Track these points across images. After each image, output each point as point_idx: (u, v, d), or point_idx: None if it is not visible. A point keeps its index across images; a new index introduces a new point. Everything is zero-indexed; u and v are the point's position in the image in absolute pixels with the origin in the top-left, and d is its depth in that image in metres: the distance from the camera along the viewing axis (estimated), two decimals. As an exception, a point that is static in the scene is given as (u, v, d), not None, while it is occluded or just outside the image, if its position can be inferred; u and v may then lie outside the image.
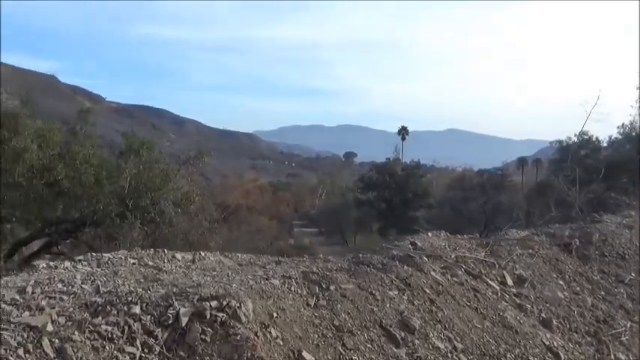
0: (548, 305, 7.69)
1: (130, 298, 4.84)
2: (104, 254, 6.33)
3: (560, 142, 53.26)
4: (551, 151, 64.77)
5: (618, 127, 39.48)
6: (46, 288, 5.07)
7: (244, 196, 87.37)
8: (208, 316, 4.75)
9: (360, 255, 7.48)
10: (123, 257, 6.37)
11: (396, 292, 6.37)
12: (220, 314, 4.79)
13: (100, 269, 5.91)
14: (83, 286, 5.22)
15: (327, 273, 6.28)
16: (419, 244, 8.38)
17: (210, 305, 4.84)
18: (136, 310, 4.67)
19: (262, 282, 5.68)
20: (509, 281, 7.81)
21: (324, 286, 6.00)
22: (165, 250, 6.81)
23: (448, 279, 7.16)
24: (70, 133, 21.28)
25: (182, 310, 4.71)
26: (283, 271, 6.35)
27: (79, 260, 6.12)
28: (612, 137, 43.87)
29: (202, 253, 6.94)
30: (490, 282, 7.49)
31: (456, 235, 10.05)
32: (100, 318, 4.54)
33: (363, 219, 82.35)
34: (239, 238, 52.31)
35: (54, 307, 4.56)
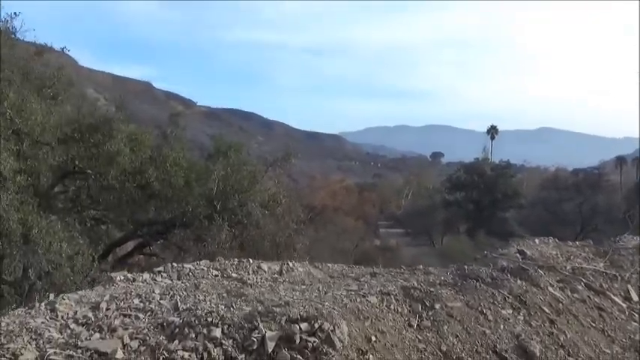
0: (681, 326, 6.65)
1: (210, 319, 4.32)
2: (185, 265, 5.87)
3: (664, 139, 50.02)
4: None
5: None
6: (122, 304, 4.64)
7: (330, 197, 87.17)
8: (298, 341, 4.16)
9: (466, 267, 6.71)
10: (205, 268, 5.89)
11: (510, 311, 5.58)
12: (312, 339, 4.19)
13: (180, 282, 5.46)
14: (161, 301, 4.77)
15: (431, 289, 5.55)
16: (528, 252, 7.52)
17: (300, 328, 4.24)
18: (217, 333, 4.15)
19: (358, 299, 5.04)
20: (635, 296, 6.82)
21: (427, 303, 5.29)
22: (251, 260, 6.28)
23: (568, 295, 6.28)
24: (162, 137, 21.53)
25: (268, 334, 4.14)
26: (380, 286, 5.67)
27: (159, 272, 5.68)
28: None
29: (290, 264, 6.36)
30: (615, 298, 6.56)
31: (567, 242, 9.06)
32: (176, 342, 4.04)
33: (450, 220, 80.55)
34: (325, 238, 52.08)
35: (127, 328, 4.11)
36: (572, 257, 7.60)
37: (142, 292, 4.98)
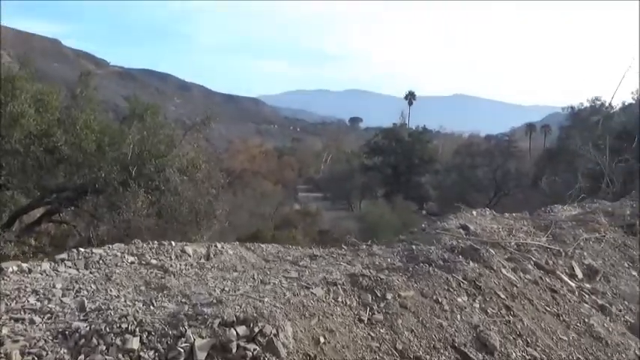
0: (627, 304, 6.42)
1: (125, 325, 3.50)
2: (94, 250, 4.96)
3: (572, 107, 51.70)
4: (560, 118, 63.20)
5: (632, 92, 37.75)
6: (13, 304, 3.78)
7: (249, 161, 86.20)
8: (235, 349, 3.43)
9: (414, 247, 6.17)
10: (119, 254, 5.00)
11: (466, 299, 5.08)
12: (251, 346, 3.48)
13: (88, 272, 4.57)
14: (64, 299, 3.93)
15: (380, 275, 4.95)
16: (471, 227, 7.09)
17: (237, 333, 3.52)
18: (134, 343, 3.36)
19: (301, 292, 4.35)
20: (579, 273, 6.54)
21: (378, 294, 4.68)
22: (173, 243, 5.44)
23: (520, 277, 5.86)
24: (71, 98, 20.12)
25: (198, 343, 3.39)
26: (323, 272, 5.02)
27: (62, 260, 4.73)
28: (626, 103, 42.28)
29: (219, 246, 5.58)
30: (564, 278, 6.23)
31: (503, 214, 8.74)
32: (82, 357, 3.25)
33: (368, 184, 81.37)
34: (244, 203, 51.32)
35: (17, 341, 3.28)
36: (514, 231, 7.25)
37: (39, 288, 4.11)
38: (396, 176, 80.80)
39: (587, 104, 49.96)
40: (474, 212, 8.41)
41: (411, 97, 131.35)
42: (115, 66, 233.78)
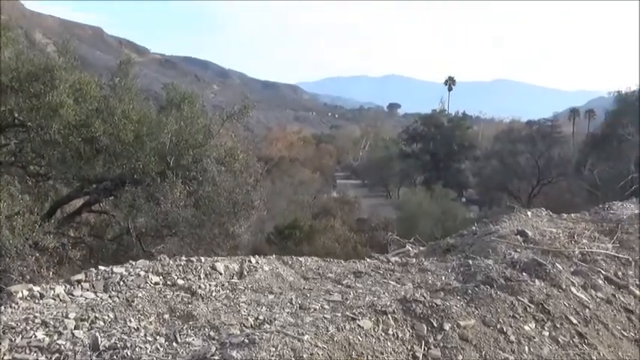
0: None
1: None
2: (115, 269, 4.46)
3: (619, 91, 49.67)
4: (605, 102, 61.07)
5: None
6: (19, 340, 3.31)
7: (287, 148, 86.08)
8: None
9: (470, 262, 5.55)
10: (142, 273, 4.50)
11: (534, 326, 4.47)
12: (288, 400, 2.97)
13: (107, 296, 4.10)
14: (76, 333, 3.45)
15: (436, 301, 4.35)
16: (529, 233, 6.43)
17: None
18: None
19: (347, 325, 3.78)
20: (652, 285, 5.87)
21: (435, 324, 4.09)
22: (202, 259, 4.92)
23: (592, 296, 5.22)
24: (110, 87, 19.92)
25: None
26: (370, 295, 4.46)
27: (78, 282, 4.26)
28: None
29: (253, 261, 5.04)
30: (638, 293, 5.57)
31: (560, 214, 8.04)
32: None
33: (406, 171, 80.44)
34: (283, 190, 51.10)
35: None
36: (575, 237, 6.57)
37: (50, 318, 3.63)
38: (435, 163, 79.63)
39: (635, 88, 47.96)
40: (529, 213, 7.73)
41: (450, 82, 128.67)
42: (156, 53, 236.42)
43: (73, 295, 4.05)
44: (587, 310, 4.91)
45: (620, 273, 5.88)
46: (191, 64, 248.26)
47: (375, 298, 4.36)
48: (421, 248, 8.11)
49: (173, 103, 19.13)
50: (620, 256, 6.17)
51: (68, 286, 4.16)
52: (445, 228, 34.98)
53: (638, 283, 5.82)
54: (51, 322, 3.57)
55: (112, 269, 4.45)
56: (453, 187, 66.08)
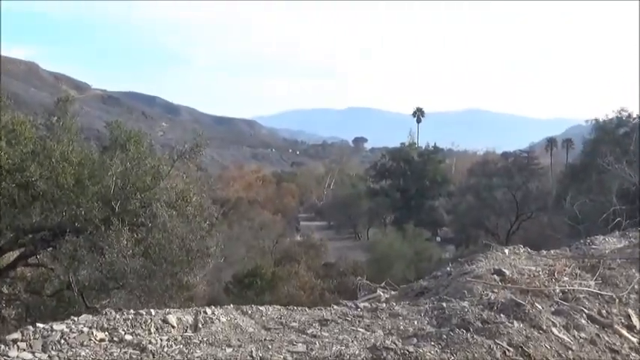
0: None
1: None
2: (55, 327, 4.34)
3: (596, 120, 51.07)
4: (582, 131, 62.65)
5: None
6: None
7: (245, 189, 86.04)
8: None
9: (444, 304, 5.64)
10: (86, 329, 4.39)
11: (515, 373, 4.56)
12: None
13: (46, 356, 3.97)
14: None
15: (409, 348, 4.39)
16: (506, 272, 6.57)
17: None
18: None
19: None
20: (637, 323, 6.01)
21: None
22: (152, 312, 4.86)
23: (575, 336, 5.33)
24: (46, 127, 19.78)
25: None
26: (338, 344, 4.46)
27: (14, 341, 4.16)
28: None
29: (209, 312, 5.00)
30: (622, 331, 5.70)
31: (539, 250, 8.23)
32: None
33: (376, 210, 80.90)
34: (241, 235, 50.90)
35: None
36: (556, 274, 6.73)
37: None
38: (406, 200, 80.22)
39: (612, 115, 49.49)
40: (507, 251, 7.90)
41: (419, 113, 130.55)
42: (97, 89, 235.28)
43: (9, 357, 3.95)
44: (569, 352, 5.01)
45: (603, 311, 6.02)
46: (137, 100, 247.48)
47: (343, 347, 4.38)
48: (393, 292, 8.19)
49: (118, 142, 19.06)
50: (603, 293, 6.32)
51: (3, 346, 4.06)
52: (419, 270, 35.27)
53: (623, 321, 5.97)
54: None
55: (51, 326, 4.36)
56: (426, 226, 66.65)
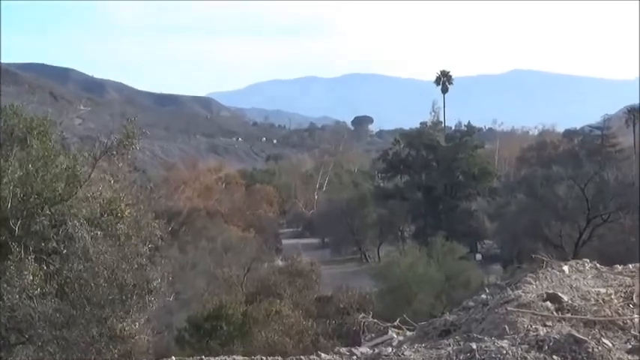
0: None
1: None
2: None
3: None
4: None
5: None
6: None
7: (202, 196, 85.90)
8: None
9: (474, 345, 5.70)
10: None
11: None
12: None
13: None
14: None
15: None
16: (565, 298, 6.67)
17: None
18: None
19: None
20: None
21: None
22: None
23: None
24: None
25: None
26: None
27: None
28: None
29: None
30: None
31: (613, 266, 8.34)
32: None
33: (389, 219, 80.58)
34: (198, 261, 50.92)
35: None
36: (634, 298, 6.83)
37: None
38: (432, 204, 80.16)
39: None
40: (566, 268, 8.00)
41: (445, 79, 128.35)
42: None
43: None
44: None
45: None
46: (43, 75, 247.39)
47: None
48: (409, 333, 8.28)
49: (15, 136, 19.11)
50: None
51: None
52: (452, 302, 35.36)
53: None
54: None
55: None
56: (461, 239, 66.39)
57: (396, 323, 9.32)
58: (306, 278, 50.04)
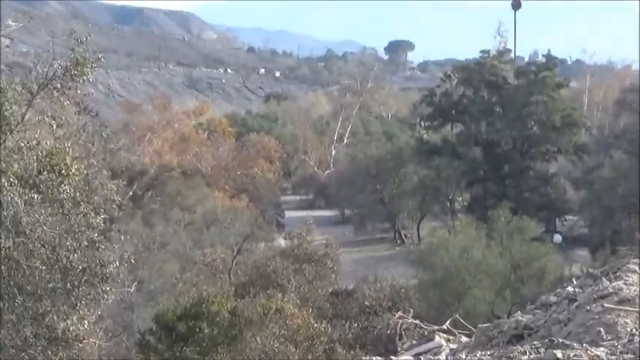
0: None
1: None
2: None
3: None
4: None
5: None
6: None
7: (176, 149, 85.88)
8: None
9: (559, 355, 5.74)
10: None
11: None
12: None
13: None
14: None
15: None
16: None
17: None
18: None
19: None
20: None
21: None
22: None
23: None
24: None
25: None
26: None
27: None
28: None
29: None
30: None
31: None
32: None
33: (434, 184, 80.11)
34: (169, 240, 50.82)
35: None
36: None
37: None
38: (495, 164, 79.73)
39: None
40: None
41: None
42: None
43: None
44: None
45: None
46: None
47: None
48: (464, 339, 8.35)
49: None
50: None
51: None
52: (522, 298, 35.44)
53: None
54: None
55: None
56: (533, 214, 66.04)
57: (444, 326, 9.41)
58: (319, 265, 49.91)
